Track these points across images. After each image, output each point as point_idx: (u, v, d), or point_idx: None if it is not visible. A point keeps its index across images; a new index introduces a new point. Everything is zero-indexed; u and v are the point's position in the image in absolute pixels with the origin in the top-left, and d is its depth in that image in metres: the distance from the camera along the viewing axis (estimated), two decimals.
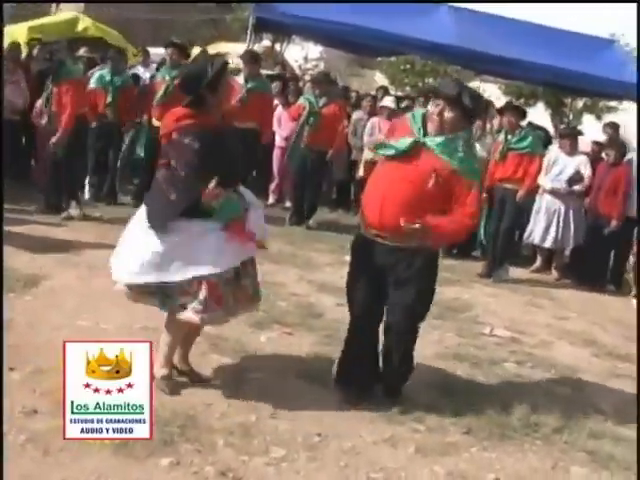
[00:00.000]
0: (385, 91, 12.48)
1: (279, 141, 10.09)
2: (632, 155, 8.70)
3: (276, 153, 10.17)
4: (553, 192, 8.47)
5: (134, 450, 3.36)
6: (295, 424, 3.83)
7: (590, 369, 5.56)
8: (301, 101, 9.25)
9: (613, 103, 24.66)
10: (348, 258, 7.39)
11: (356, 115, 10.53)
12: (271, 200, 10.34)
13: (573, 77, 12.09)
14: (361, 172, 10.36)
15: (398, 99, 11.55)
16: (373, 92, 13.23)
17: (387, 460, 3.64)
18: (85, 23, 14.47)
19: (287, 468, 3.42)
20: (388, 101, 10.29)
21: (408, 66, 25.65)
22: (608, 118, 24.97)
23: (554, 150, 8.79)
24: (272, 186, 10.36)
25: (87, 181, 8.72)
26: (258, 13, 11.58)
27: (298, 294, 6.25)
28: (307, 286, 6.55)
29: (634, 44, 25.59)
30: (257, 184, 11.16)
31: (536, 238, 8.62)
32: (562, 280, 8.57)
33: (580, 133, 9.26)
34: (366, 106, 10.61)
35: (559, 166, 8.49)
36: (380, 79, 23.59)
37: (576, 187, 8.44)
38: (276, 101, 10.41)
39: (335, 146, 9.07)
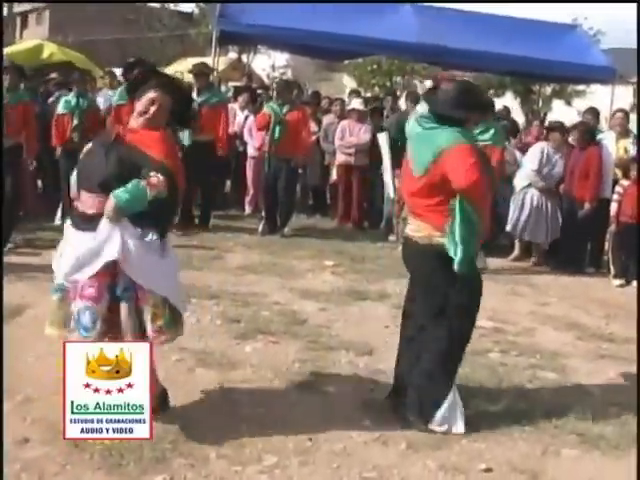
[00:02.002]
0: (357, 95, 12.57)
1: (252, 151, 10.12)
2: (601, 136, 8.77)
3: (249, 163, 10.24)
4: (542, 190, 8.55)
5: (127, 469, 3.39)
6: (285, 431, 3.85)
7: (575, 352, 5.64)
8: (265, 110, 9.30)
9: (581, 87, 24.93)
10: (328, 263, 7.55)
11: (327, 120, 10.60)
12: (247, 211, 10.42)
13: (539, 64, 12.23)
14: (334, 176, 10.48)
15: (366, 100, 11.64)
16: (343, 95, 13.35)
17: (379, 458, 3.67)
18: (50, 49, 14.48)
19: (280, 475, 3.44)
20: (356, 103, 10.38)
21: (375, 67, 25.74)
22: (577, 102, 25.26)
23: (542, 145, 8.74)
24: (248, 197, 10.43)
25: (60, 207, 8.66)
26: (221, 26, 11.62)
27: (280, 302, 6.30)
28: (289, 294, 6.60)
29: (599, 27, 25.88)
30: (232, 195, 11.37)
31: (527, 235, 8.68)
32: (542, 267, 8.63)
33: (564, 127, 9.36)
34: (336, 110, 10.69)
35: (551, 163, 8.58)
36: (348, 82, 23.67)
37: (562, 186, 8.64)
38: (246, 112, 10.55)
39: (302, 152, 9.13)
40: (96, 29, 34.34)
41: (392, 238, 8.95)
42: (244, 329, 5.57)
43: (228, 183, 11.24)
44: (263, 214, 9.36)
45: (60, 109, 8.71)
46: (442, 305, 4.20)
